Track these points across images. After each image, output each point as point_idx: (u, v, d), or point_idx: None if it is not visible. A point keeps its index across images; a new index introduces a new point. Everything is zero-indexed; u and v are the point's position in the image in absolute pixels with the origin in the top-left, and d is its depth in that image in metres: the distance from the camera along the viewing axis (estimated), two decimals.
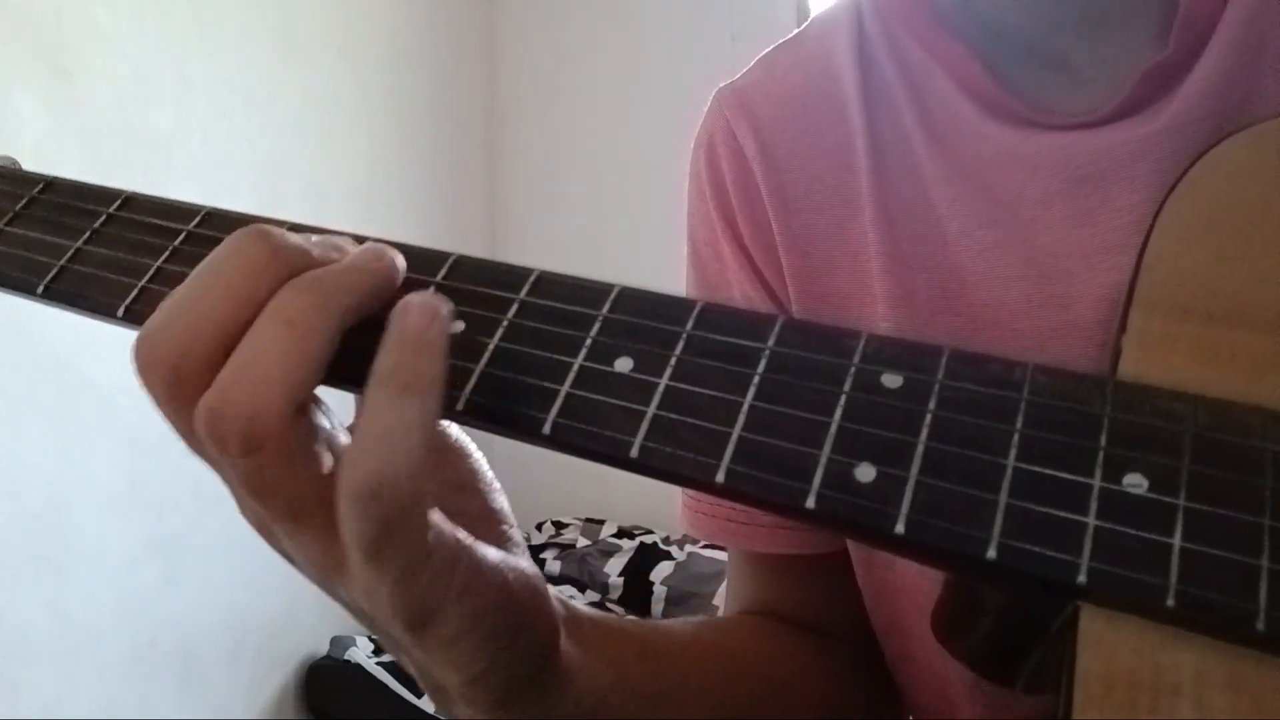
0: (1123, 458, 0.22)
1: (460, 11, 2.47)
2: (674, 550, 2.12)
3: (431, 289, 0.28)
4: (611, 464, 0.25)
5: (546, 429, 0.25)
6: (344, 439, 0.27)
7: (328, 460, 0.26)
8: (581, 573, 2.16)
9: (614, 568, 2.14)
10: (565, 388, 0.26)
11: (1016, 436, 0.23)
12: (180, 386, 0.25)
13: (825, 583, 0.48)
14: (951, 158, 0.42)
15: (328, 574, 0.26)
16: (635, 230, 2.30)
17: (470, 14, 2.51)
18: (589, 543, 2.26)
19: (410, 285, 0.28)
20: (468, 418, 0.26)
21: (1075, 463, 0.22)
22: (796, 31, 0.50)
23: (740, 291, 0.48)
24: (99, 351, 1.53)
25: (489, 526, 0.30)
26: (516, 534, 0.31)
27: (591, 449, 0.25)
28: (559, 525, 2.38)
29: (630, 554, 2.17)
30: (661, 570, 2.11)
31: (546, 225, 2.52)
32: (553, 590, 0.31)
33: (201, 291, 0.25)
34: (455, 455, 0.31)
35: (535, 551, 2.27)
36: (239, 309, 0.25)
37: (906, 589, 0.44)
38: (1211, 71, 0.37)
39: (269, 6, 1.91)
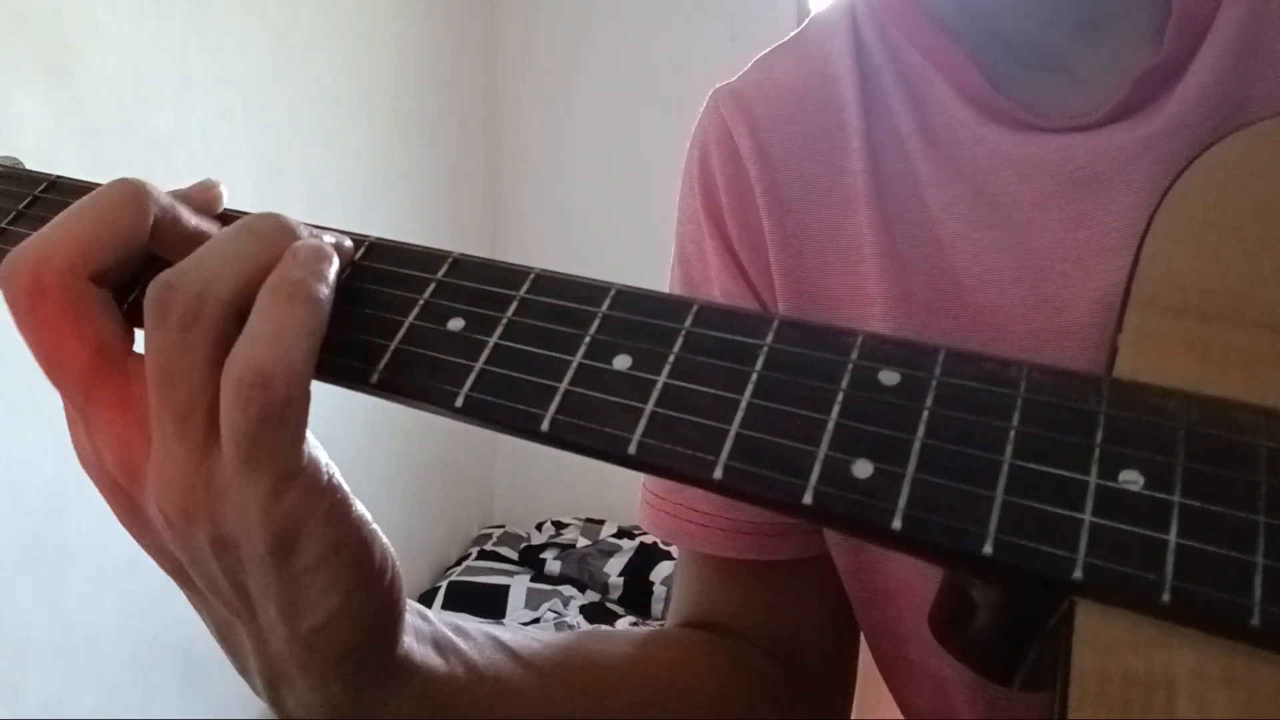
0: (1118, 455, 0.22)
1: (461, 11, 2.47)
2: (674, 551, 2.12)
3: (430, 287, 0.28)
4: (610, 461, 0.25)
5: (545, 426, 0.25)
6: None
7: (112, 333, 0.28)
8: (581, 573, 2.17)
9: (614, 568, 2.15)
10: (564, 385, 0.26)
11: (1013, 433, 0.23)
12: (191, 323, 0.26)
13: (778, 592, 0.48)
14: (948, 160, 0.42)
15: (191, 489, 0.26)
16: (635, 230, 2.30)
17: (471, 14, 2.51)
18: (589, 543, 2.26)
19: (411, 283, 0.29)
20: (467, 415, 0.27)
21: (1071, 460, 0.22)
22: (794, 34, 0.50)
23: (721, 289, 0.48)
24: None
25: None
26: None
27: (590, 446, 0.25)
28: (559, 525, 2.38)
29: (630, 554, 2.18)
30: (661, 570, 2.11)
31: (546, 225, 2.52)
32: (420, 607, 0.32)
33: (219, 252, 0.27)
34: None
35: (535, 551, 2.28)
36: (243, 271, 0.27)
37: (899, 591, 0.44)
38: (1206, 74, 0.37)
39: (269, 6, 1.91)
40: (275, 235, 0.27)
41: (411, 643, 0.31)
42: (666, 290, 0.51)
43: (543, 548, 2.28)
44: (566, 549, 2.26)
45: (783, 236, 0.45)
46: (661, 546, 2.18)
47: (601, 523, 2.35)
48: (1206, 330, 0.26)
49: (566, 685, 0.38)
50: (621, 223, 2.37)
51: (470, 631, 0.35)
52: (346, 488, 0.27)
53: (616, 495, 2.27)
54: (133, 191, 0.28)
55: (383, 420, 2.09)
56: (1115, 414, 0.23)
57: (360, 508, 0.28)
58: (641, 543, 2.21)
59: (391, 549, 0.29)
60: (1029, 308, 0.39)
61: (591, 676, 0.40)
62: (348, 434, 2.05)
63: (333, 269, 0.27)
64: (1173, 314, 0.26)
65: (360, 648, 0.28)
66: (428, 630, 0.32)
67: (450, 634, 0.33)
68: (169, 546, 0.28)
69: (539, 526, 2.40)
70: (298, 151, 1.97)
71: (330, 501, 0.27)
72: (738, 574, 0.48)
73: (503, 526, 2.46)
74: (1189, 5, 0.37)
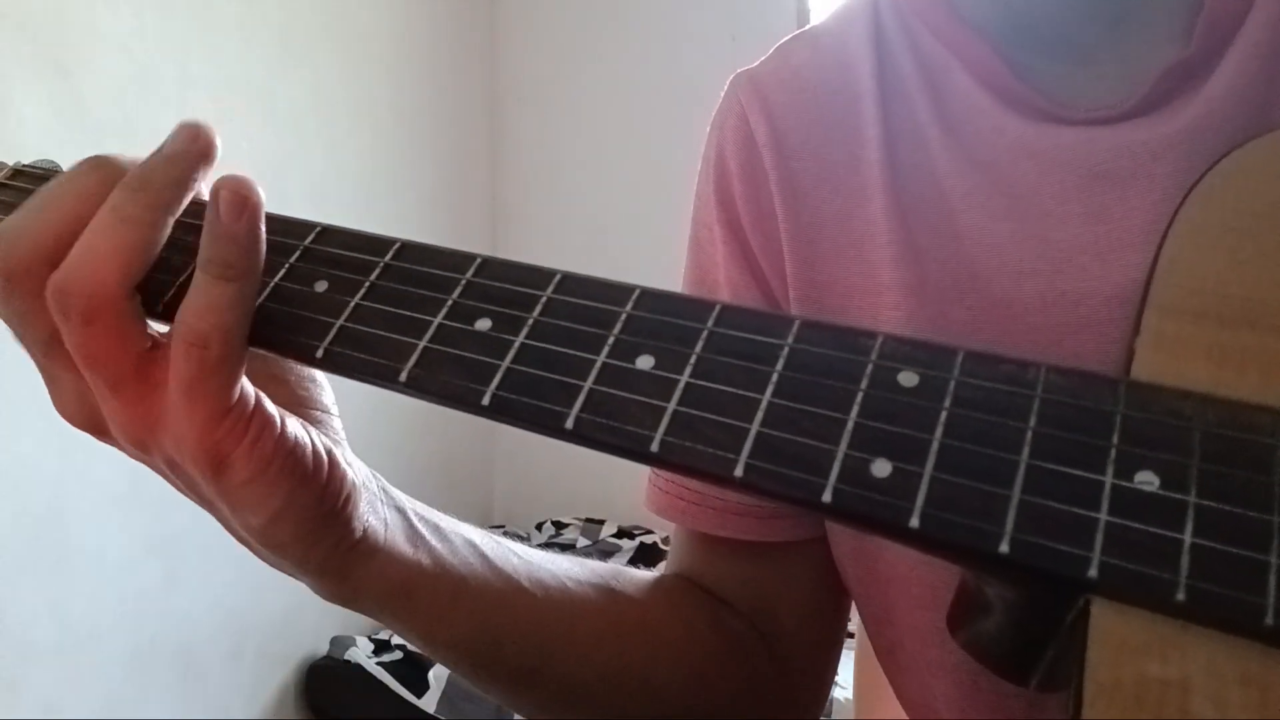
0: (1134, 455, 0.22)
1: (461, 11, 2.47)
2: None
3: (459, 287, 0.29)
4: (633, 459, 0.25)
5: (569, 424, 0.26)
6: None
7: (147, 341, 0.31)
8: None
9: None
10: (588, 384, 0.26)
11: (1030, 434, 0.23)
12: (27, 275, 0.30)
13: (763, 571, 0.49)
14: (967, 151, 0.42)
15: (137, 432, 0.31)
16: (635, 230, 2.30)
17: (471, 14, 2.51)
18: (589, 543, 2.27)
19: (441, 284, 0.29)
20: (494, 413, 0.27)
21: (1087, 460, 0.22)
22: (815, 23, 0.51)
23: (725, 276, 0.48)
24: None
25: (297, 411, 0.34)
26: (331, 420, 0.35)
27: (613, 444, 0.25)
28: (559, 525, 2.38)
29: (630, 554, 2.18)
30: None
31: (547, 224, 2.52)
32: (379, 483, 0.36)
33: (49, 198, 0.31)
34: (296, 381, 0.36)
35: None
36: (81, 207, 0.30)
37: (898, 579, 0.44)
38: (1233, 74, 0.37)
39: (269, 6, 1.91)
40: (146, 213, 0.30)
41: (375, 526, 0.35)
42: (680, 275, 0.52)
43: (543, 548, 2.27)
44: (566, 549, 2.26)
45: (796, 224, 0.46)
46: (661, 546, 2.18)
47: (601, 523, 2.35)
48: (1224, 334, 0.26)
49: (533, 599, 0.40)
50: (621, 222, 2.38)
51: (446, 531, 0.39)
52: (276, 412, 0.31)
53: (616, 495, 2.27)
54: (151, 200, 0.31)
55: (383, 420, 2.09)
56: (1132, 415, 0.23)
57: (293, 425, 0.32)
58: (641, 543, 2.21)
59: (334, 449, 0.33)
60: (1046, 300, 0.39)
61: (561, 596, 0.42)
62: (348, 434, 2.05)
63: (258, 243, 0.30)
64: (1191, 318, 0.27)
65: (311, 532, 0.32)
66: (400, 523, 0.36)
67: (423, 529, 0.37)
68: (136, 459, 0.34)
69: (539, 526, 2.40)
70: (298, 151, 1.97)
71: (257, 428, 0.30)
72: (724, 551, 0.49)
73: (503, 527, 2.46)
74: (1221, 2, 0.37)
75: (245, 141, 1.84)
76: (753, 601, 0.49)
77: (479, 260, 0.29)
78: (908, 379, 0.24)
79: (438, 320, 0.28)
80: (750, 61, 0.51)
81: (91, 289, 0.29)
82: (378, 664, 1.91)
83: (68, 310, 0.29)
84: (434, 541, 0.37)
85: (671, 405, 0.25)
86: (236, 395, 0.30)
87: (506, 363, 0.27)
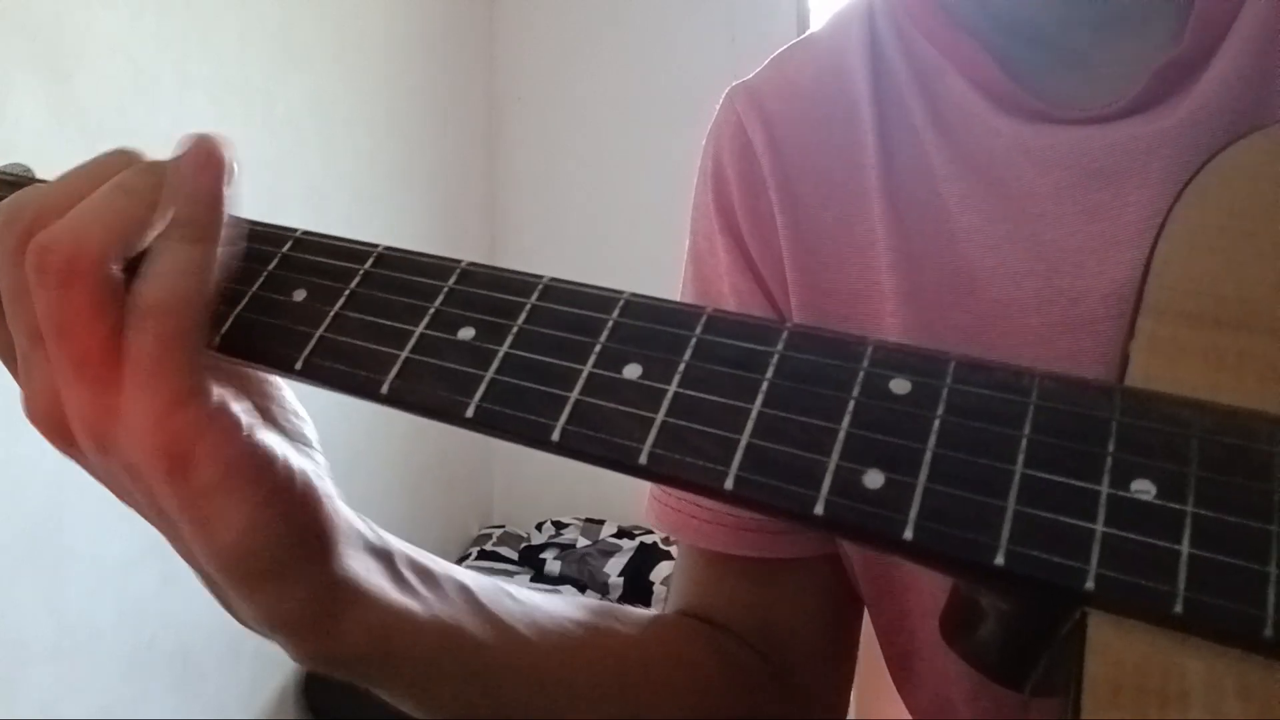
0: (1130, 464, 0.22)
1: (460, 12, 2.47)
2: (674, 550, 2.12)
3: (441, 295, 0.28)
4: (620, 470, 0.25)
5: (555, 436, 0.25)
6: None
7: (118, 320, 0.29)
8: (581, 573, 2.16)
9: (614, 568, 2.14)
10: (574, 395, 0.26)
11: (1024, 442, 0.23)
12: (22, 249, 0.29)
13: (775, 590, 0.48)
14: (962, 154, 0.42)
15: (96, 422, 0.29)
16: (635, 231, 2.30)
17: (470, 15, 2.51)
18: (589, 543, 2.26)
19: (423, 291, 0.29)
20: (477, 425, 0.26)
21: (1083, 469, 0.22)
22: (810, 31, 0.51)
23: (730, 285, 0.48)
24: None
25: (267, 418, 0.32)
26: (314, 455, 0.33)
27: (600, 456, 0.25)
28: (559, 525, 2.38)
29: (630, 554, 2.17)
30: (661, 570, 2.11)
31: (546, 225, 2.52)
32: (364, 524, 0.33)
33: (61, 177, 0.31)
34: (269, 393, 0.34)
35: (535, 551, 2.27)
36: (90, 186, 0.30)
37: (913, 587, 0.44)
38: (1227, 70, 0.37)
39: (269, 7, 1.91)
40: (146, 190, 0.29)
41: (358, 570, 0.32)
42: (680, 286, 0.52)
43: (543, 548, 2.28)
44: (566, 549, 2.25)
45: (796, 231, 0.45)
46: (661, 547, 2.18)
47: (601, 523, 2.35)
48: (1220, 337, 0.26)
49: (531, 646, 0.38)
50: (621, 224, 2.37)
51: (437, 575, 0.35)
52: (241, 414, 0.29)
53: (616, 495, 2.27)
54: (155, 181, 0.30)
55: (381, 421, 2.09)
56: (1128, 422, 0.23)
57: (264, 433, 0.30)
58: (641, 543, 2.21)
59: (313, 470, 0.31)
60: (1043, 300, 0.39)
61: (560, 641, 0.39)
62: (347, 434, 2.05)
63: (221, 202, 0.29)
64: (1186, 320, 0.26)
65: (283, 562, 0.30)
66: (385, 568, 0.33)
67: (410, 574, 0.34)
68: (101, 476, 0.32)
69: (539, 526, 2.40)
70: (297, 153, 1.96)
71: (221, 424, 0.28)
72: (736, 570, 0.48)
73: (502, 526, 2.45)
74: (1211, 2, 0.37)
75: (243, 144, 1.83)
76: (763, 625, 0.48)
77: (461, 267, 0.29)
78: (900, 386, 0.24)
79: (419, 330, 0.28)
80: (749, 63, 0.51)
81: (74, 250, 0.28)
82: None
83: (45, 267, 0.28)
84: (423, 588, 0.34)
85: (660, 416, 0.25)
86: (197, 382, 0.28)
87: (490, 373, 0.27)
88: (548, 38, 2.52)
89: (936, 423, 0.23)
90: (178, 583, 1.72)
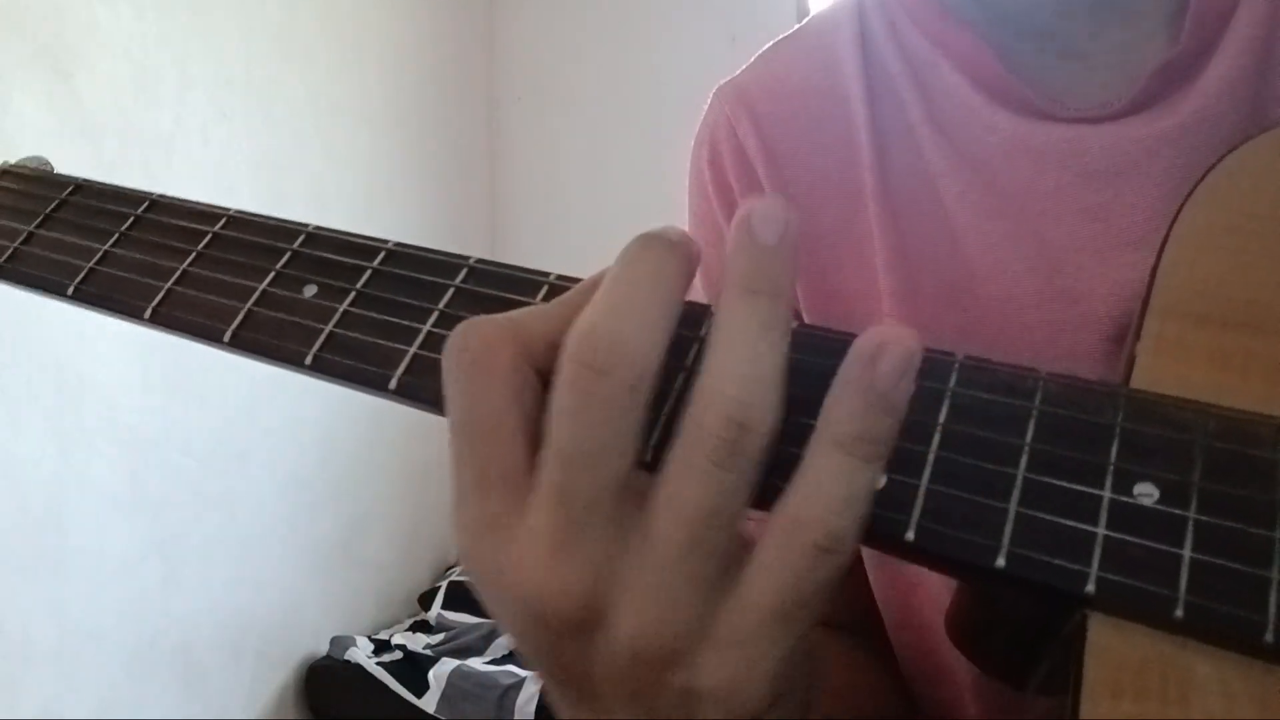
0: (1133, 468, 0.22)
1: (460, 11, 2.47)
2: None
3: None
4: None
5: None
6: None
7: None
8: None
9: None
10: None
11: (1027, 446, 0.23)
12: (636, 392, 0.23)
13: (848, 575, 0.48)
14: (959, 150, 0.42)
15: (690, 643, 0.22)
16: (635, 229, 2.29)
17: (470, 14, 2.51)
18: None
19: (430, 290, 0.29)
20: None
21: (1086, 473, 0.22)
22: (797, 27, 0.50)
23: None
24: (100, 352, 1.53)
25: None
26: None
27: None
28: None
29: None
30: None
31: (546, 224, 2.52)
32: None
33: (645, 290, 0.24)
34: None
35: None
36: (673, 311, 0.24)
37: (924, 583, 0.43)
38: (1226, 70, 0.37)
39: (269, 6, 1.91)
40: (780, 321, 0.23)
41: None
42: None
43: None
44: None
45: None
46: None
47: None
48: (1227, 339, 0.25)
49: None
50: (621, 222, 2.36)
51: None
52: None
53: None
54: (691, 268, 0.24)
55: (383, 420, 2.09)
56: (1131, 427, 0.23)
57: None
58: None
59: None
60: (1044, 298, 0.39)
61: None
62: (349, 434, 2.05)
63: (906, 398, 0.22)
64: (1193, 322, 0.26)
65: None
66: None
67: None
68: (593, 677, 0.24)
69: None
70: (297, 151, 1.96)
71: (819, 669, 0.25)
72: None
73: None
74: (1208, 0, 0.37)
75: (244, 142, 1.84)
76: (846, 609, 0.48)
77: (468, 265, 0.29)
78: None
79: (426, 328, 0.28)
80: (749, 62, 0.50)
81: (770, 424, 0.22)
82: (378, 664, 1.91)
83: (738, 450, 0.22)
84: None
85: (663, 416, 0.25)
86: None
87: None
88: (548, 38, 2.52)
89: (940, 425, 0.23)
90: (179, 582, 1.72)
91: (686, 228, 0.51)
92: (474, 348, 0.24)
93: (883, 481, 0.23)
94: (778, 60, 0.49)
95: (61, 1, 1.52)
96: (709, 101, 0.50)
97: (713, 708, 0.23)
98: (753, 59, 0.50)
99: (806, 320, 0.45)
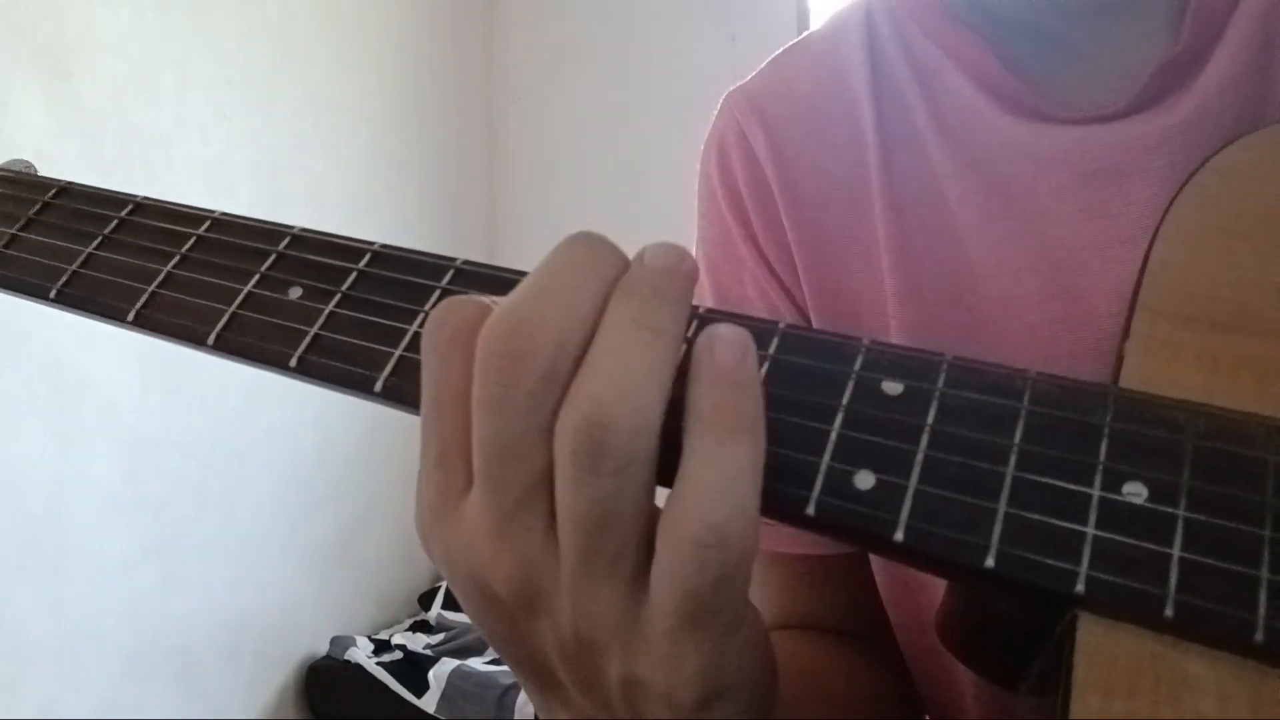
0: (1123, 467, 0.22)
1: (460, 11, 2.47)
2: None
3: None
4: None
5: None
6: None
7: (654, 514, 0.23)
8: None
9: None
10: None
11: (1016, 445, 0.23)
12: (550, 382, 0.22)
13: (848, 581, 0.48)
14: (963, 152, 0.42)
15: (619, 637, 0.23)
16: (635, 229, 2.29)
17: (470, 14, 2.51)
18: None
19: (416, 291, 0.29)
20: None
21: (1075, 472, 0.22)
22: (807, 33, 0.51)
23: (757, 290, 0.48)
24: (98, 352, 1.53)
25: None
26: None
27: None
28: None
29: None
30: None
31: (546, 224, 2.52)
32: None
33: (566, 283, 0.23)
34: None
35: None
36: (595, 308, 0.23)
37: (928, 586, 0.44)
38: (1226, 67, 0.37)
39: (269, 6, 1.91)
40: (675, 330, 0.23)
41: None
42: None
43: None
44: None
45: (802, 234, 0.46)
46: None
47: None
48: (1217, 339, 0.25)
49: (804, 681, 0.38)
50: (622, 222, 2.36)
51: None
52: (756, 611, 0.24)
53: None
54: (679, 313, 0.23)
55: (382, 420, 2.09)
56: (1120, 426, 0.23)
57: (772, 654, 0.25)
58: None
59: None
60: (1045, 297, 0.39)
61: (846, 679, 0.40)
62: (348, 434, 2.05)
63: (756, 375, 0.23)
64: (1182, 322, 0.26)
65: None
66: None
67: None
68: (549, 662, 0.25)
69: None
70: (297, 151, 1.97)
71: (762, 659, 0.24)
72: (808, 571, 0.48)
73: None
74: None
75: (244, 143, 1.84)
76: (847, 615, 0.49)
77: (454, 267, 0.29)
78: (892, 388, 0.24)
79: (413, 329, 0.28)
80: (749, 64, 0.51)
81: (636, 427, 0.21)
82: (378, 664, 1.91)
83: (604, 453, 0.21)
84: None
85: None
86: (750, 608, 0.23)
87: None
88: (548, 38, 2.52)
89: (928, 425, 0.23)
90: (178, 582, 1.72)
91: (695, 230, 0.52)
92: (452, 324, 0.24)
93: (871, 482, 0.23)
94: (787, 65, 0.49)
95: (61, 1, 1.52)
96: (719, 106, 0.50)
97: (655, 702, 0.23)
98: (763, 65, 0.50)
99: (814, 320, 0.46)
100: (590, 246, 0.24)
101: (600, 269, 0.24)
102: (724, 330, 0.23)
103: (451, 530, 0.24)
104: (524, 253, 2.61)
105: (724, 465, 0.22)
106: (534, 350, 0.22)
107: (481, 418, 0.23)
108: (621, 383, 0.22)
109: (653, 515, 0.23)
